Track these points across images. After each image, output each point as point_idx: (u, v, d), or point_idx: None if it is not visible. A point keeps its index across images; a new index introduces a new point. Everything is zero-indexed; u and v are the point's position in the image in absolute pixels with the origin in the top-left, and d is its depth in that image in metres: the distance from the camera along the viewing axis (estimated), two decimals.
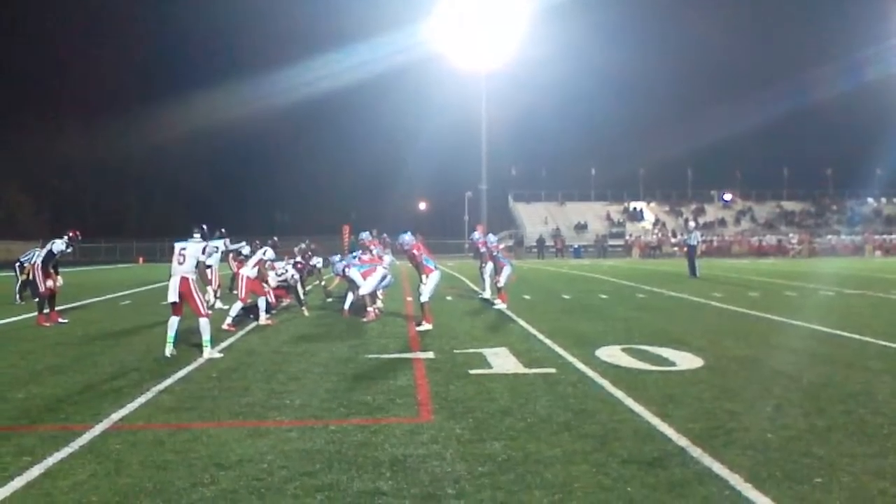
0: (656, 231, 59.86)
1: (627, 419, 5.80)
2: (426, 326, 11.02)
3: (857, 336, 9.99)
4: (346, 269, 13.23)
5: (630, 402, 6.29)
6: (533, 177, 67.77)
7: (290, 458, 4.89)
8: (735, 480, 4.37)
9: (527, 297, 16.81)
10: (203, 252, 9.16)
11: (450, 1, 48.63)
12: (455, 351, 9.11)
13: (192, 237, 9.27)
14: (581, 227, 60.69)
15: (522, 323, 11.81)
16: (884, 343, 9.39)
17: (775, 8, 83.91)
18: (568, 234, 58.85)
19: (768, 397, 6.47)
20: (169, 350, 8.89)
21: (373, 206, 71.35)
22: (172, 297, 8.90)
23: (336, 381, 7.36)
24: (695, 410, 6.03)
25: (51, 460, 4.89)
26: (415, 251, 11.72)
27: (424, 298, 11.36)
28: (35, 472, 4.67)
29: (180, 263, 8.94)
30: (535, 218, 62.69)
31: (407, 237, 11.89)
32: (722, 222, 62.93)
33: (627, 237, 57.30)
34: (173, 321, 8.96)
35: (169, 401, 6.61)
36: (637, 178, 67.25)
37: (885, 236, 55.14)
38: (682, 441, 5.16)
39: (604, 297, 16.92)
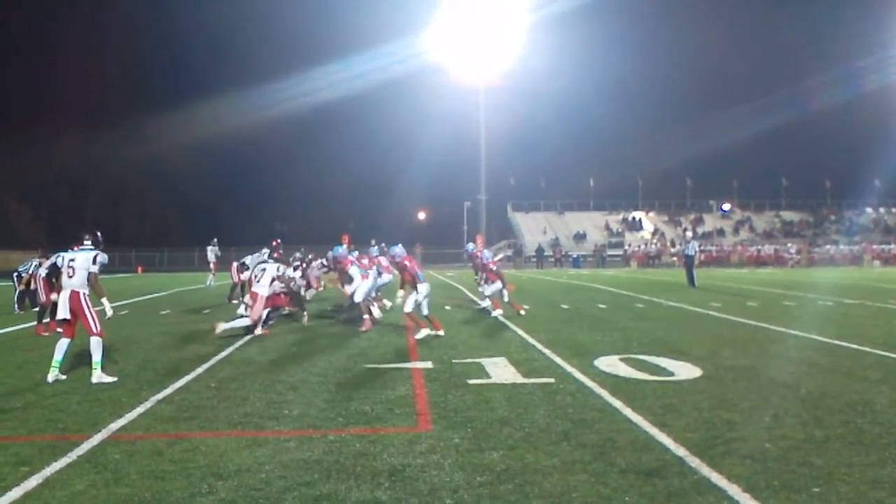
0: (655, 241, 59.92)
1: (626, 429, 5.80)
2: (424, 332, 11.02)
3: (855, 346, 10.00)
4: (349, 265, 13.19)
5: (628, 412, 6.29)
6: (532, 186, 67.93)
7: (288, 468, 4.89)
8: (733, 490, 4.38)
9: (525, 306, 16.80)
10: (94, 262, 8.29)
11: (448, 12, 48.84)
12: (453, 361, 9.11)
13: (83, 245, 8.47)
14: (580, 237, 60.74)
15: (521, 333, 11.81)
16: (882, 353, 9.40)
17: (773, 18, 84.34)
18: (567, 243, 58.89)
19: (766, 407, 6.48)
20: (52, 376, 7.95)
21: (372, 215, 71.39)
22: (63, 313, 8.11)
23: (334, 391, 7.36)
24: (693, 420, 6.03)
25: (48, 470, 4.89)
26: (406, 262, 11.72)
27: (407, 309, 11.30)
28: (33, 482, 4.67)
29: (70, 277, 8.19)
30: (533, 228, 62.77)
31: (398, 249, 11.92)
32: (721, 232, 62.99)
33: (626, 247, 57.34)
34: (62, 344, 8.10)
35: (167, 411, 6.61)
36: (636, 188, 67.46)
37: (883, 246, 55.19)
38: (681, 451, 5.17)
39: (602, 306, 16.92)
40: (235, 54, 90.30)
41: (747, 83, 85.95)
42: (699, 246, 32.91)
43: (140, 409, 6.63)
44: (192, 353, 9.97)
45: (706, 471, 4.73)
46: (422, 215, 76.22)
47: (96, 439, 5.65)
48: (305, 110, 70.61)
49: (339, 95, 65.83)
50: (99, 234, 8.67)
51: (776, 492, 4.36)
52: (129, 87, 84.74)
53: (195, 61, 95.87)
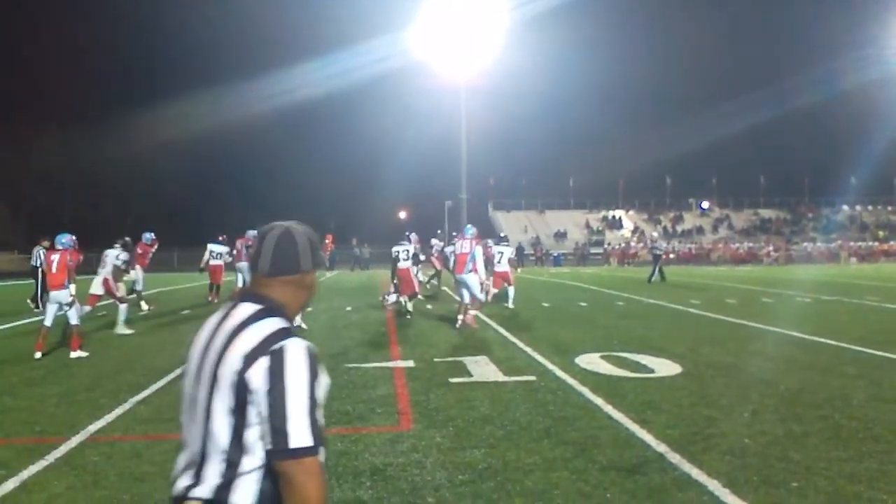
0: (635, 239, 60.26)
1: (607, 426, 5.83)
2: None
3: (832, 342, 10.12)
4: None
5: (609, 409, 6.33)
6: (512, 185, 68.08)
7: None
8: (713, 486, 4.41)
9: (507, 305, 16.83)
10: None
11: (430, 11, 48.78)
12: (435, 359, 9.10)
13: None
14: (560, 236, 60.93)
15: (502, 331, 11.83)
16: (859, 348, 9.52)
17: (752, 18, 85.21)
18: (547, 242, 59.04)
19: (746, 403, 6.54)
20: None
21: (353, 214, 71.15)
22: None
23: None
24: (673, 417, 6.07)
25: (26, 473, 4.83)
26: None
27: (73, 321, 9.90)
28: (10, 485, 4.61)
29: None
30: (514, 226, 62.81)
31: (65, 239, 10.30)
32: (700, 230, 63.49)
33: (606, 245, 57.61)
34: None
35: (146, 412, 6.55)
36: (616, 187, 67.82)
37: (860, 243, 55.89)
38: (661, 447, 5.20)
39: (583, 304, 16.99)
40: (216, 52, 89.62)
41: (726, 82, 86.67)
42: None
43: (119, 411, 6.56)
44: (171, 354, 9.88)
45: (687, 467, 4.76)
46: (403, 214, 76.09)
47: (74, 441, 5.59)
48: (286, 108, 70.27)
49: (320, 93, 65.57)
50: None
51: (755, 487, 4.40)
52: (108, 86, 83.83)
53: (175, 59, 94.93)
